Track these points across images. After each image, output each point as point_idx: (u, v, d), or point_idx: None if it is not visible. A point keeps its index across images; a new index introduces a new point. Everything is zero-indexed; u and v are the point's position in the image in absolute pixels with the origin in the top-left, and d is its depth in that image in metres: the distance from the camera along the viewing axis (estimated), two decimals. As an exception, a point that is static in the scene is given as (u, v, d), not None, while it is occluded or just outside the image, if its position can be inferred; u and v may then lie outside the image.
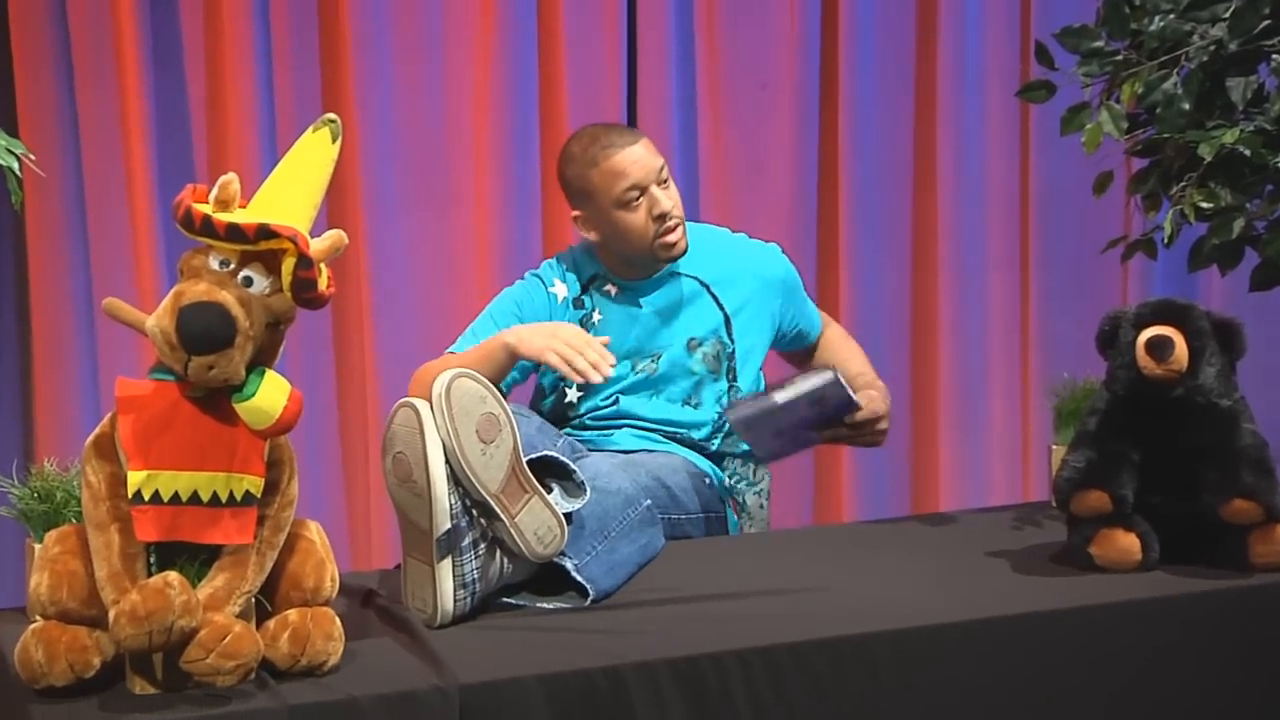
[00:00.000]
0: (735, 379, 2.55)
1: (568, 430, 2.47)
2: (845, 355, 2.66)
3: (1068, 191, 3.71)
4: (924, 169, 3.79)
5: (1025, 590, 1.99)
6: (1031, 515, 2.40)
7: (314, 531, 1.73)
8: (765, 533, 2.60)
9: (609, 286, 2.55)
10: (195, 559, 1.61)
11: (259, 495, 1.62)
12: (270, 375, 1.62)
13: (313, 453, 3.32)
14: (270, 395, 1.61)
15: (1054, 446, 2.42)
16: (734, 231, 2.68)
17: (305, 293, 1.63)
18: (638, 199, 2.46)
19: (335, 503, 3.43)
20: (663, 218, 2.46)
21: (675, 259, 2.51)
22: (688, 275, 2.56)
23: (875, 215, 3.75)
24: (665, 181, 2.49)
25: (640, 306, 2.53)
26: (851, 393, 2.33)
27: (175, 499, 1.58)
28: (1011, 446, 3.87)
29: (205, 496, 1.59)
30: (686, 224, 2.57)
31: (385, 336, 3.42)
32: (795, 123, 3.65)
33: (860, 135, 3.71)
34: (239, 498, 1.60)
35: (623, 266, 2.54)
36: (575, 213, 2.53)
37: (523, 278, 2.58)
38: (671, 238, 2.48)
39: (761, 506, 2.62)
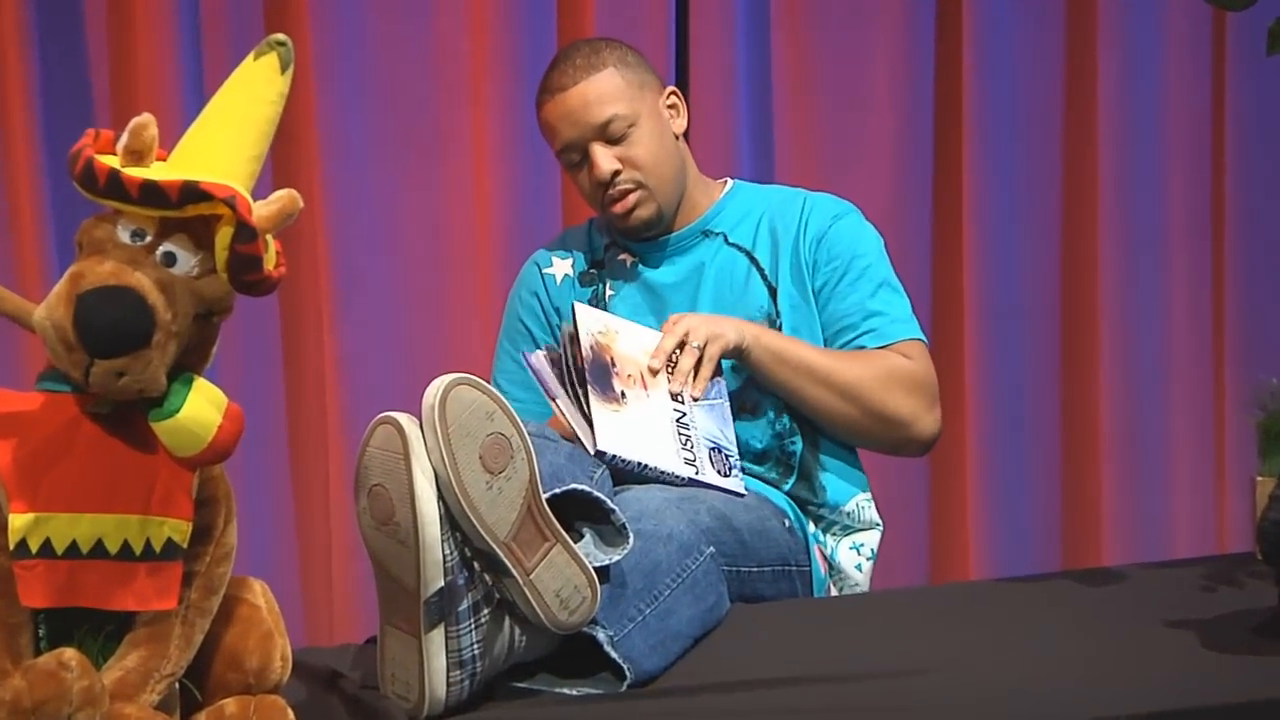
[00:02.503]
0: None
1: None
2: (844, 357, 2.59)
3: (1278, 130, 3.69)
4: (1079, 102, 3.77)
5: (1221, 673, 1.98)
6: (1229, 571, 2.39)
7: (259, 594, 1.74)
8: (863, 594, 2.60)
9: (623, 255, 2.67)
10: (99, 631, 1.62)
11: (185, 545, 1.63)
12: (200, 385, 1.64)
13: (256, 488, 3.34)
14: (200, 411, 1.62)
15: (1259, 479, 2.42)
16: (820, 194, 2.71)
17: (246, 273, 1.64)
18: (578, 160, 2.59)
19: (286, 555, 3.45)
20: (601, 185, 2.57)
21: (635, 229, 2.61)
22: (731, 244, 2.64)
23: (1012, 168, 3.74)
24: (619, 137, 2.56)
25: (654, 276, 2.63)
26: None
27: (73, 550, 1.59)
28: (1200, 479, 3.86)
29: (113, 547, 1.60)
30: (740, 185, 2.69)
31: (350, 333, 3.43)
32: (904, 45, 3.65)
33: (991, 60, 3.70)
34: (158, 548, 1.61)
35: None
36: None
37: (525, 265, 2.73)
38: (619, 207, 2.59)
39: (859, 568, 2.62)
